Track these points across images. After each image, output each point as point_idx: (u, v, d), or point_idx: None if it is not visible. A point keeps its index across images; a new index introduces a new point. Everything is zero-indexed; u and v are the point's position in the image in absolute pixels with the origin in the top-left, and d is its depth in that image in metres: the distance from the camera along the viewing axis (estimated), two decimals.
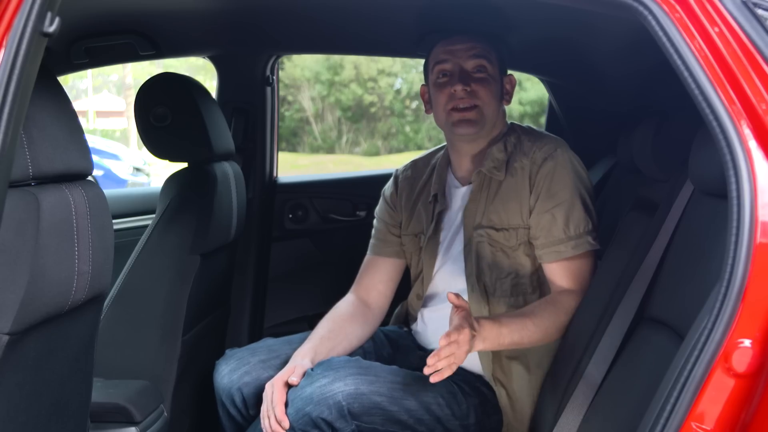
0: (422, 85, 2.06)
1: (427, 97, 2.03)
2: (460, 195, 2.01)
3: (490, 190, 1.93)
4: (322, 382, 1.68)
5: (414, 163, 2.16)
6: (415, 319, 2.10)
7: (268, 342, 2.00)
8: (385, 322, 2.12)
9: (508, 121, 2.04)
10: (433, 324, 2.02)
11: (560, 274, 1.87)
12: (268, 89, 2.81)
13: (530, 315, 1.79)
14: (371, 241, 2.15)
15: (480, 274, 1.92)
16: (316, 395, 1.67)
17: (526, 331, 1.76)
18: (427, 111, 2.04)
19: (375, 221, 2.17)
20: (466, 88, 1.90)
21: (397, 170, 2.19)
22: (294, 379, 1.73)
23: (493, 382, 1.89)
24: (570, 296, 1.84)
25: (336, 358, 1.80)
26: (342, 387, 1.68)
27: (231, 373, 1.89)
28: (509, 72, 2.06)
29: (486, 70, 1.94)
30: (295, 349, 1.90)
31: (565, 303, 1.83)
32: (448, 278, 2.00)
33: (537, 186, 1.88)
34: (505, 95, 2.01)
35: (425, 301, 2.06)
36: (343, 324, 1.98)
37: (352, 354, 1.94)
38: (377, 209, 2.18)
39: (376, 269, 2.11)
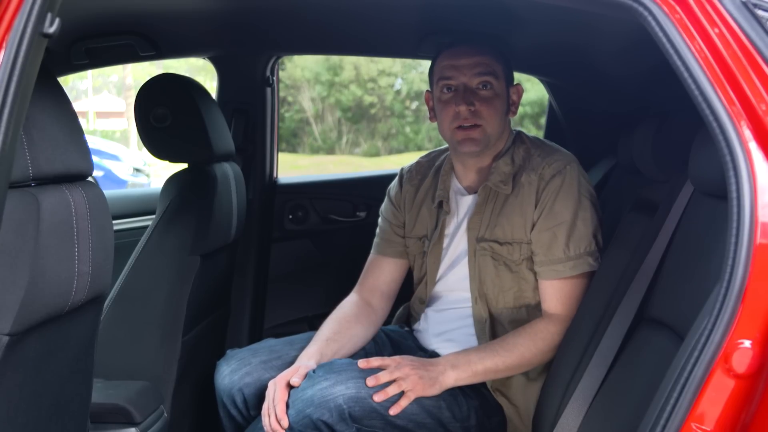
0: (426, 91, 2.04)
1: (431, 104, 2.01)
2: (465, 203, 2.00)
3: (496, 203, 1.92)
4: (323, 385, 1.68)
5: (419, 164, 2.15)
6: (417, 320, 2.10)
7: (269, 342, 1.99)
8: (386, 321, 2.12)
9: (514, 130, 2.02)
10: (436, 323, 2.02)
11: (552, 294, 1.86)
12: (268, 90, 2.81)
13: (500, 341, 1.83)
14: (375, 239, 2.15)
15: (483, 285, 1.92)
16: (317, 398, 1.66)
17: (498, 357, 1.79)
18: (431, 119, 2.01)
19: (380, 220, 2.16)
20: (470, 108, 1.87)
21: (402, 169, 2.17)
22: (296, 380, 1.73)
23: (494, 393, 1.89)
24: (550, 322, 1.84)
25: (338, 361, 1.80)
26: (343, 390, 1.67)
27: (232, 373, 1.88)
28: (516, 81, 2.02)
29: (491, 87, 1.90)
30: (296, 350, 1.90)
31: (542, 329, 1.83)
32: (452, 284, 2.00)
33: (542, 202, 1.87)
34: (512, 107, 1.98)
35: (429, 301, 2.06)
36: (348, 325, 1.98)
37: (354, 355, 1.94)
38: (382, 208, 2.17)
39: (380, 269, 2.10)
